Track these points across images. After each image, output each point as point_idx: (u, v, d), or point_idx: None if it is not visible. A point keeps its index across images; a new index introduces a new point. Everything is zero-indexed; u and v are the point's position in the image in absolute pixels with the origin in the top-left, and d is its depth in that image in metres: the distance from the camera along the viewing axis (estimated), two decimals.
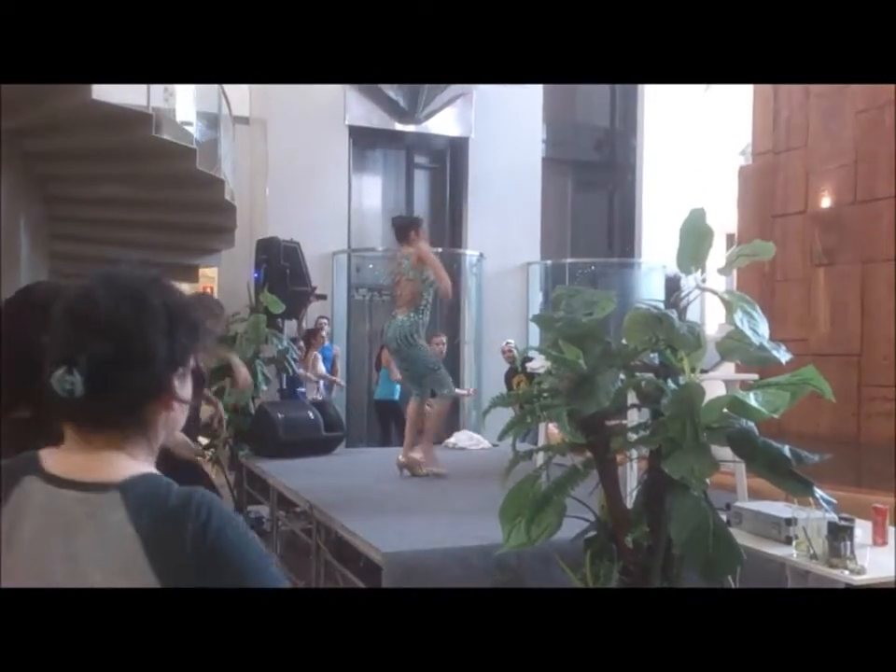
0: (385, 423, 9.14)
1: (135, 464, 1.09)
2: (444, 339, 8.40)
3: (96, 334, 1.04)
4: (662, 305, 2.73)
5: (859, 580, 2.67)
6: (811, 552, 2.82)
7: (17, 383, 1.37)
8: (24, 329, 1.35)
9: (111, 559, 1.01)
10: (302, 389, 8.03)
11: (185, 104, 7.99)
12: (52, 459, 1.09)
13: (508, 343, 8.94)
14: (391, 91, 10.52)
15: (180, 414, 1.16)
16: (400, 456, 5.47)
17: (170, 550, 1.01)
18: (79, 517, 1.03)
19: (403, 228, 5.52)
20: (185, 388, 1.14)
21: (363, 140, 11.00)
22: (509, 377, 8.73)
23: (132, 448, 1.11)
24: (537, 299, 11.30)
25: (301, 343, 8.15)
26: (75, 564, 1.01)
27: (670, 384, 2.61)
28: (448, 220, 11.56)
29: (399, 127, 10.79)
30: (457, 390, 8.94)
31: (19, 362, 1.29)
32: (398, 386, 8.85)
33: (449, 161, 11.52)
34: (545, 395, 2.78)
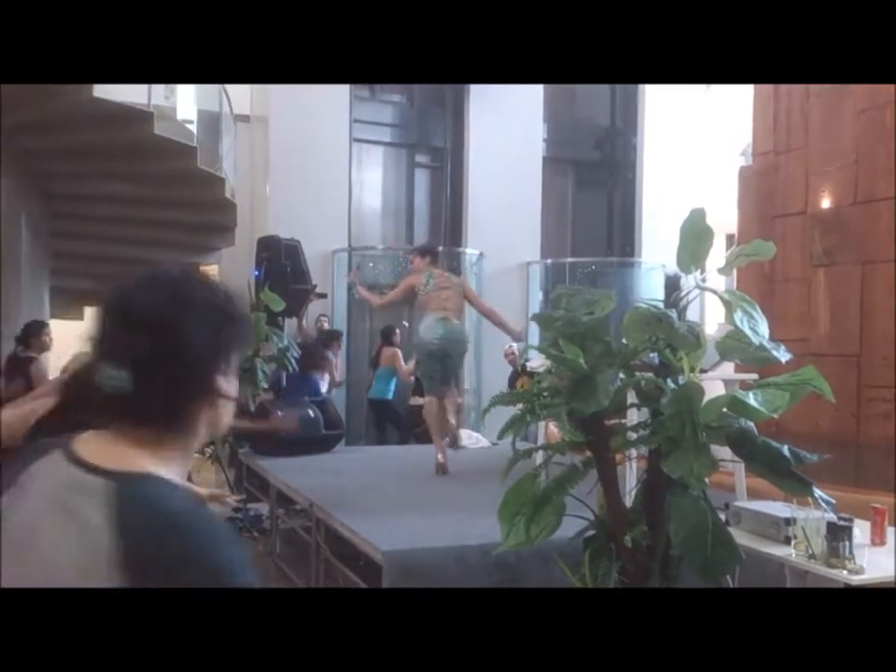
0: (379, 421, 9.16)
1: (152, 462, 1.07)
2: None
3: (140, 331, 1.04)
4: (661, 305, 2.73)
5: (857, 579, 2.67)
6: (810, 551, 2.82)
7: None
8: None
9: (82, 548, 0.99)
10: (322, 395, 7.92)
11: (186, 101, 7.99)
12: (84, 442, 1.09)
13: (511, 347, 8.96)
14: None
15: (226, 412, 1.15)
16: (440, 456, 5.64)
17: (145, 555, 0.99)
18: (70, 498, 1.02)
19: (434, 251, 6.27)
20: (230, 385, 1.13)
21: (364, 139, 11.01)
22: (512, 380, 8.76)
23: (163, 447, 1.09)
24: (537, 298, 11.30)
25: (300, 340, 8.15)
26: (48, 544, 1.00)
27: (670, 383, 2.61)
28: (448, 219, 11.57)
29: None
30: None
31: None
32: (392, 385, 8.87)
33: (449, 159, 11.52)
34: (545, 394, 2.79)
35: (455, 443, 6.22)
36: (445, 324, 5.76)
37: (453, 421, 6.18)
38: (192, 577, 1.00)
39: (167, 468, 1.09)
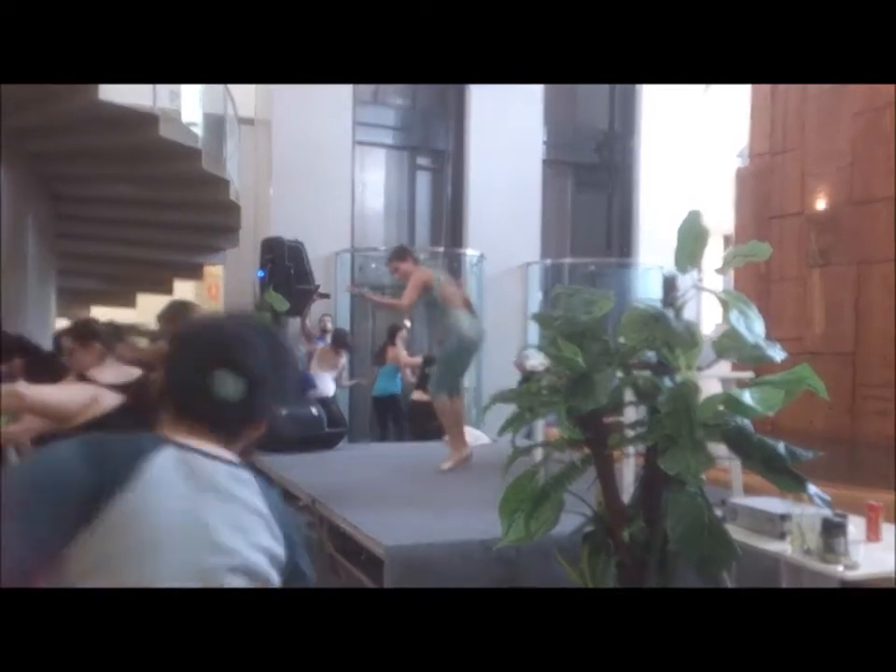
0: (382, 419, 9.21)
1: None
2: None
3: (256, 355, 1.29)
4: (659, 304, 2.76)
5: (852, 575, 2.70)
6: (805, 547, 2.86)
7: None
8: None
9: (257, 523, 1.23)
10: (330, 394, 8.02)
11: (190, 104, 8.02)
12: (181, 439, 1.27)
13: (520, 359, 9.04)
14: None
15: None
16: (465, 451, 5.66)
17: (283, 525, 1.27)
18: (230, 483, 1.24)
19: (411, 250, 6.21)
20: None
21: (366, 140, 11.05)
22: (522, 384, 8.82)
23: (220, 446, 1.32)
24: (536, 298, 11.33)
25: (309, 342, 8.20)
26: (226, 522, 1.21)
27: (667, 381, 2.64)
28: (449, 220, 11.60)
29: None
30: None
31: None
32: (398, 382, 8.95)
33: (451, 162, 11.56)
34: (544, 392, 2.82)
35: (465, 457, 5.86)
36: (478, 321, 5.79)
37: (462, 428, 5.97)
38: (307, 556, 1.29)
39: None
